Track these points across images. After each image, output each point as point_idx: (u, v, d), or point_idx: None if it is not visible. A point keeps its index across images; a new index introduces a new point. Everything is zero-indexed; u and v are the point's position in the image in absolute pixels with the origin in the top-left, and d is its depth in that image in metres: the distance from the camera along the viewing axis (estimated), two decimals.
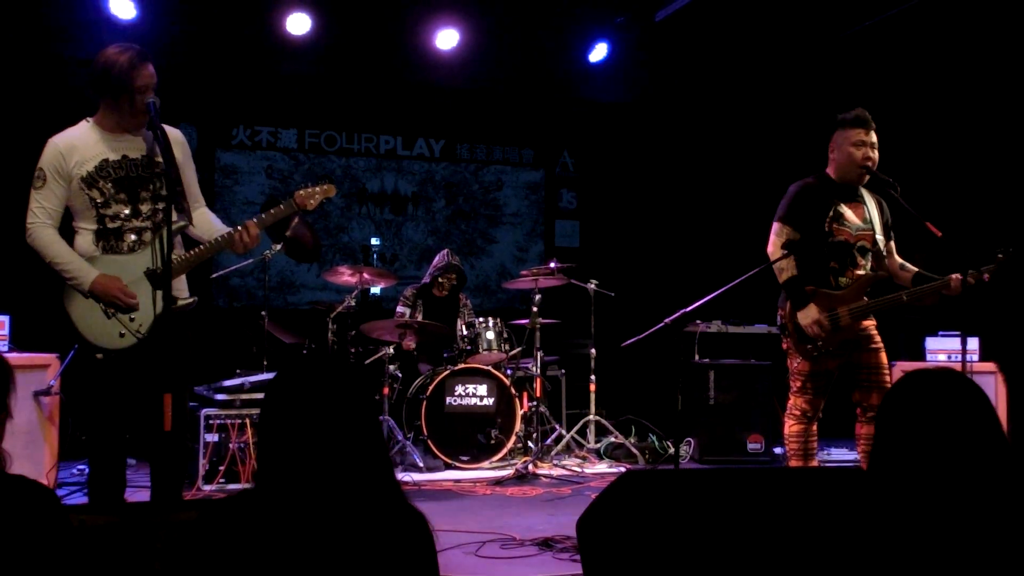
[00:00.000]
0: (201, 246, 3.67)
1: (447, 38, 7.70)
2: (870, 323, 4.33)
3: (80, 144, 3.53)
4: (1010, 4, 6.17)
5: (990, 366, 5.76)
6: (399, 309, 7.06)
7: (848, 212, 4.34)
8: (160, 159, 3.45)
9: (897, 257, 4.52)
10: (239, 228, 3.63)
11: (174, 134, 3.65)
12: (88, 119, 3.60)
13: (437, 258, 7.16)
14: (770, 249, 4.39)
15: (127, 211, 3.53)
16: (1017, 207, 6.13)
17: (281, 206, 3.74)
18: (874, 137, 4.34)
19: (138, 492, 4.50)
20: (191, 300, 3.66)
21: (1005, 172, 6.49)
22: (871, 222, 4.38)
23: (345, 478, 1.63)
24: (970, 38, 6.55)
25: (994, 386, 5.68)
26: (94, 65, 3.49)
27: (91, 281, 3.44)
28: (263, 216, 3.72)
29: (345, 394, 1.69)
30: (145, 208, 3.56)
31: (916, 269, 4.44)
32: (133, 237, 3.54)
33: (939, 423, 1.81)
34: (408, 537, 1.65)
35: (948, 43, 6.67)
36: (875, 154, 4.34)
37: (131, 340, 3.49)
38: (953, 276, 4.13)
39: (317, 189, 3.79)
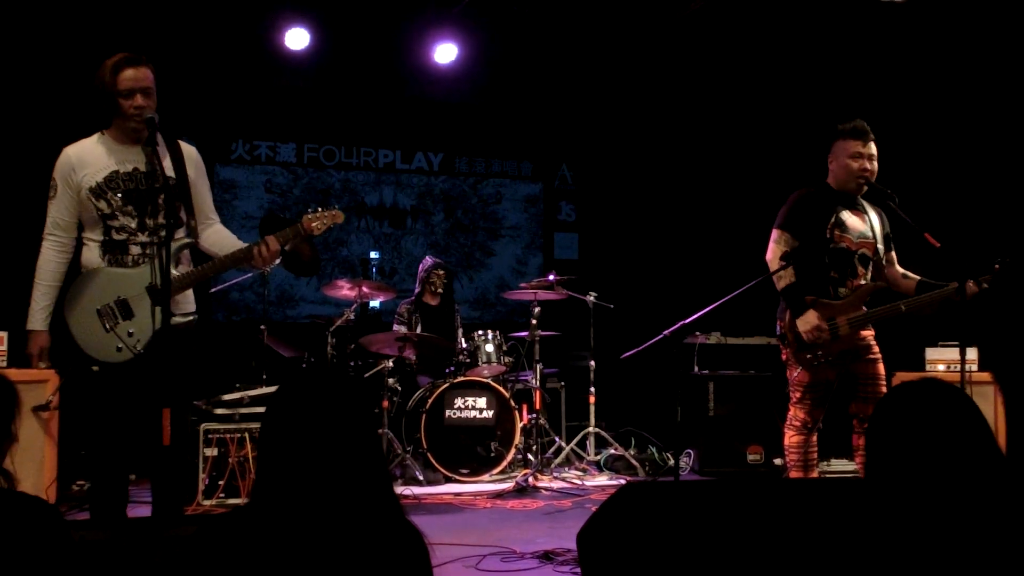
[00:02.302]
0: (210, 261, 3.67)
1: (445, 52, 7.73)
2: (869, 333, 4.33)
3: (90, 155, 3.54)
4: (1007, 11, 6.20)
5: (989, 376, 5.75)
6: (395, 327, 7.06)
7: (851, 219, 4.35)
8: (164, 174, 3.46)
9: (898, 267, 4.53)
10: (259, 243, 3.62)
11: (188, 151, 3.67)
12: (103, 131, 3.61)
13: (421, 266, 7.22)
14: (769, 256, 4.39)
15: (134, 224, 3.53)
16: (1014, 215, 6.14)
17: (288, 230, 3.71)
18: (873, 148, 4.35)
19: (139, 508, 4.49)
20: (191, 318, 3.65)
21: (1003, 180, 6.50)
22: (873, 231, 4.39)
23: (343, 493, 1.63)
24: (967, 45, 6.57)
25: (993, 396, 5.67)
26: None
27: (29, 327, 3.57)
28: (276, 236, 3.71)
29: (344, 408, 1.69)
30: (151, 222, 3.55)
31: (919, 277, 4.44)
32: (138, 251, 3.54)
33: (927, 433, 1.82)
34: (403, 552, 1.65)
35: (946, 49, 6.70)
36: (873, 165, 4.34)
37: (128, 355, 3.49)
38: (954, 284, 4.13)
39: (324, 214, 3.75)
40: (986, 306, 4.14)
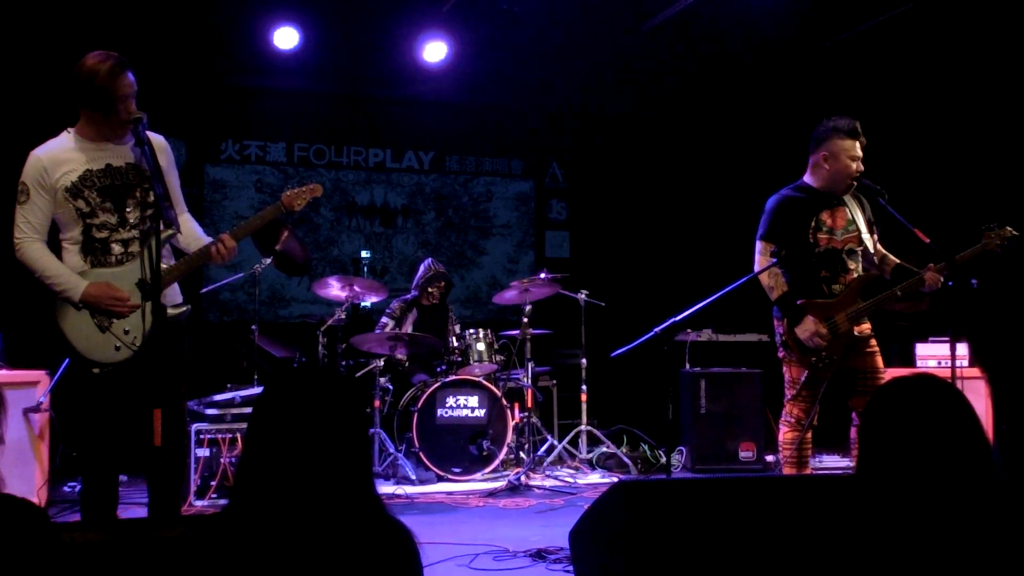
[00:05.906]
0: (182, 259, 3.65)
1: (435, 51, 7.72)
2: (867, 326, 4.34)
3: (62, 155, 3.48)
4: (989, 12, 6.23)
5: (979, 371, 5.78)
6: (383, 320, 7.05)
7: (831, 218, 4.35)
8: (151, 170, 3.43)
9: (880, 248, 4.53)
10: (215, 241, 3.61)
11: (158, 141, 3.61)
12: (69, 129, 3.55)
13: (422, 268, 7.17)
14: (757, 269, 4.38)
15: (114, 220, 3.49)
16: (1004, 209, 6.16)
17: (268, 209, 3.75)
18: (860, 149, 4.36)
19: (131, 508, 4.48)
20: (184, 308, 3.63)
21: (992, 174, 6.52)
22: (855, 222, 4.39)
23: (328, 492, 1.62)
24: (950, 45, 6.59)
25: (984, 391, 5.69)
26: (75, 74, 3.43)
27: (81, 292, 3.41)
28: (243, 224, 3.71)
29: (329, 407, 1.68)
30: (132, 216, 3.51)
31: (897, 261, 4.46)
32: (120, 249, 3.50)
33: (920, 428, 1.83)
34: (393, 552, 1.65)
35: (932, 48, 6.72)
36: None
37: (127, 353, 3.46)
38: (929, 269, 4.17)
39: (303, 189, 3.81)
40: (975, 302, 4.16)
